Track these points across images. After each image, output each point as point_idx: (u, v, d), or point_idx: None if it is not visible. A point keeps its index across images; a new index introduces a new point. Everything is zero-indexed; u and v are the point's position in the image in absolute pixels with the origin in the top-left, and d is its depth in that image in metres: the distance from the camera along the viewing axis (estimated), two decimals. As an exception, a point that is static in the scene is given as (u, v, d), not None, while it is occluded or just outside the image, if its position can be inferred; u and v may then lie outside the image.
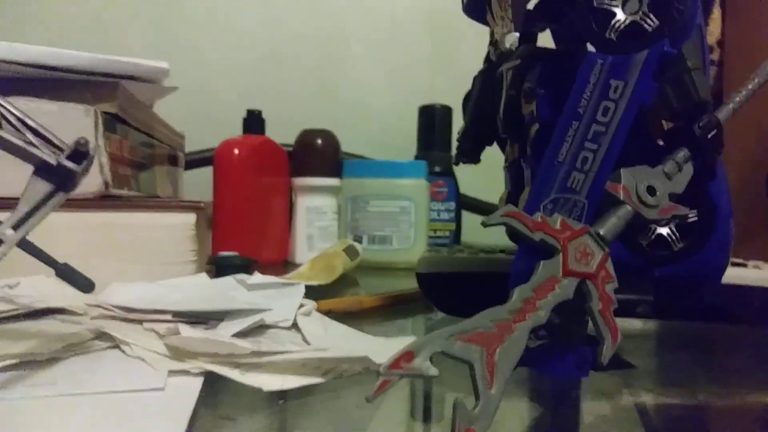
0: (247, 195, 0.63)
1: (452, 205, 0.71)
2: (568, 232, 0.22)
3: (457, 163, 0.34)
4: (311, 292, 0.38)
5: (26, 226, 0.20)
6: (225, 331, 0.28)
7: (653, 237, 0.26)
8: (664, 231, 0.26)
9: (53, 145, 0.20)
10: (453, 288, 0.38)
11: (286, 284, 0.35)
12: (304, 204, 0.67)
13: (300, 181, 0.67)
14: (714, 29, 0.77)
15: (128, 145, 0.45)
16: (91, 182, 0.39)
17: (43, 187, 0.20)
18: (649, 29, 0.22)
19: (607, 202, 0.23)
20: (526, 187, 0.29)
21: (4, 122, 0.20)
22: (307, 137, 0.68)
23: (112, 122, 0.42)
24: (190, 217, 0.39)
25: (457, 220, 0.72)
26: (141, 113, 0.48)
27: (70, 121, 0.39)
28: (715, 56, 0.76)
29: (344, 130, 0.73)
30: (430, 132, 0.72)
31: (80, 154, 0.20)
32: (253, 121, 0.65)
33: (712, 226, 0.26)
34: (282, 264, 0.66)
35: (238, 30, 0.84)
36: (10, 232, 0.19)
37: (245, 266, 0.55)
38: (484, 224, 0.21)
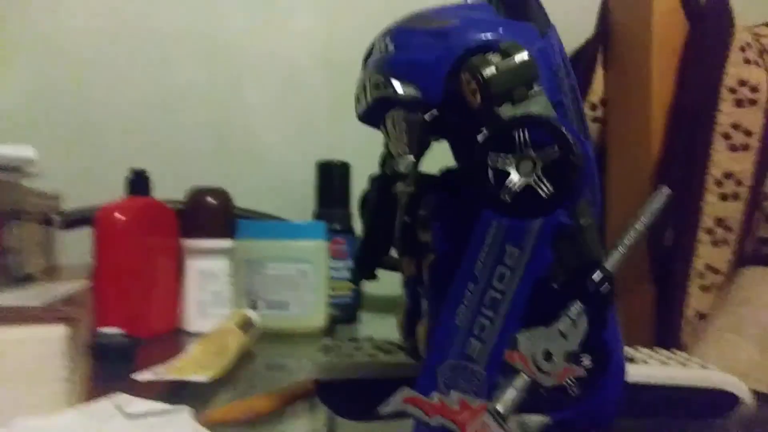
0: (131, 262, 0.59)
1: (353, 262, 0.70)
2: (466, 412, 0.21)
3: (356, 282, 0.33)
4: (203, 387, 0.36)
5: None
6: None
7: (550, 381, 0.26)
8: (560, 374, 0.26)
9: None
10: (352, 394, 0.37)
11: (170, 410, 0.33)
12: (195, 267, 0.64)
13: (190, 243, 0.64)
14: (597, 88, 0.80)
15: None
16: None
17: None
18: (544, 196, 0.22)
19: (506, 369, 0.22)
20: (423, 319, 0.28)
21: None
22: (197, 196, 0.65)
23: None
24: (60, 331, 0.35)
25: (357, 277, 0.71)
26: (4, 194, 0.43)
27: None
28: (599, 113, 0.80)
29: (238, 184, 0.70)
30: (328, 189, 0.71)
31: None
32: (138, 182, 0.61)
33: (607, 369, 0.26)
34: (173, 333, 0.63)
35: (124, 78, 0.79)
36: None
37: (129, 347, 0.51)
38: (381, 412, 0.20)
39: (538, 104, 0.24)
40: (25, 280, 0.48)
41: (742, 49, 0.76)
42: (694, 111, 0.74)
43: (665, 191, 0.28)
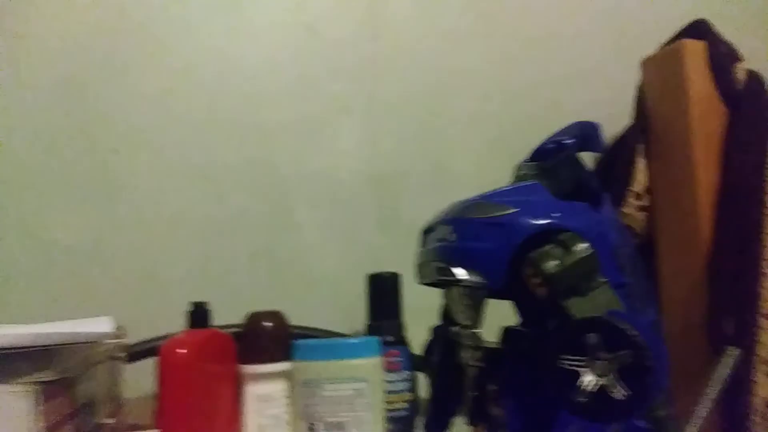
0: (194, 396, 0.60)
1: (407, 374, 0.70)
2: None
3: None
4: None
5: None
6: None
7: None
8: None
9: None
10: None
11: None
12: (253, 392, 0.65)
13: (249, 368, 0.65)
14: (640, 178, 0.81)
15: (68, 401, 0.42)
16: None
17: None
18: (619, 399, 0.22)
19: None
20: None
21: None
22: (254, 322, 0.66)
23: (50, 388, 0.39)
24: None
25: (413, 388, 0.70)
26: (80, 358, 0.45)
27: (7, 402, 0.36)
28: (644, 202, 0.80)
29: (292, 301, 0.71)
30: (379, 301, 0.72)
31: None
32: (199, 315, 0.63)
33: None
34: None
35: (180, 212, 0.83)
36: None
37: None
38: None
39: (603, 296, 0.24)
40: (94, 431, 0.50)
41: (782, 130, 0.76)
42: (741, 195, 0.74)
43: (733, 353, 0.28)
